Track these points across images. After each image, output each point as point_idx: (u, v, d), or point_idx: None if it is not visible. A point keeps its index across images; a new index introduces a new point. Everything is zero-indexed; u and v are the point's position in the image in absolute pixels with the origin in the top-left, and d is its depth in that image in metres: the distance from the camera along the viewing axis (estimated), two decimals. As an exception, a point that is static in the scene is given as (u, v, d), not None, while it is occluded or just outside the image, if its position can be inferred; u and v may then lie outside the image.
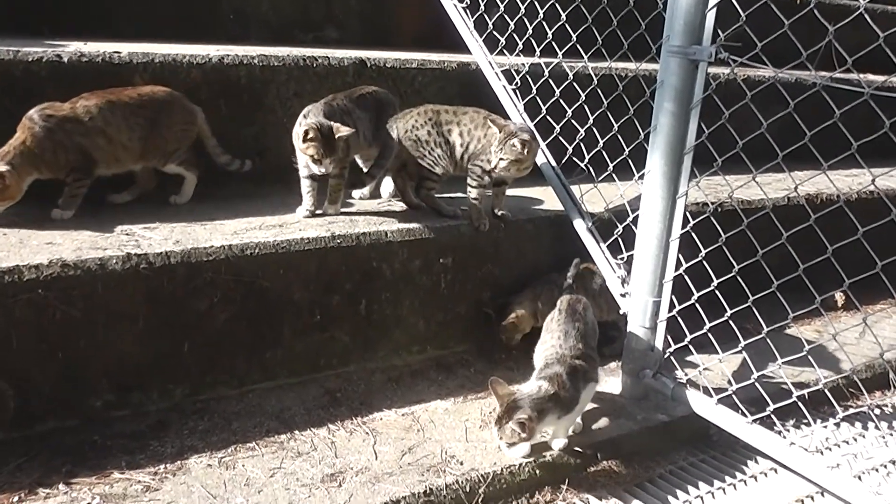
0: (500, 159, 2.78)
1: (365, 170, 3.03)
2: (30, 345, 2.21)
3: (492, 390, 2.27)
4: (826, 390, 2.36)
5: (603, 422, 2.57)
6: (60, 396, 2.28)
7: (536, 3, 3.33)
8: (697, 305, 2.53)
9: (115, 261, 2.29)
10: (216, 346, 2.50)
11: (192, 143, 2.88)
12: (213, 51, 3.11)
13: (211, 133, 2.95)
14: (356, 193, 3.10)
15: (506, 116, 3.16)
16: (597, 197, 2.98)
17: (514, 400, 2.22)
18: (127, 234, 2.49)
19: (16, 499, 1.97)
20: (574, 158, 3.06)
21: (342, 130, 2.68)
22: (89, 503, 1.99)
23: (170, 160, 2.81)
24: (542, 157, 3.14)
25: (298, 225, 2.71)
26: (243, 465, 2.20)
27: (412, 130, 2.92)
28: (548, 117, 3.18)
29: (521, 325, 2.90)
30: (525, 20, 3.38)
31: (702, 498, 2.37)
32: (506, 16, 3.49)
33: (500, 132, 2.78)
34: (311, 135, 2.64)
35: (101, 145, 2.64)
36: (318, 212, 2.85)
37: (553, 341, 2.46)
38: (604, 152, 2.92)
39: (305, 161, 2.76)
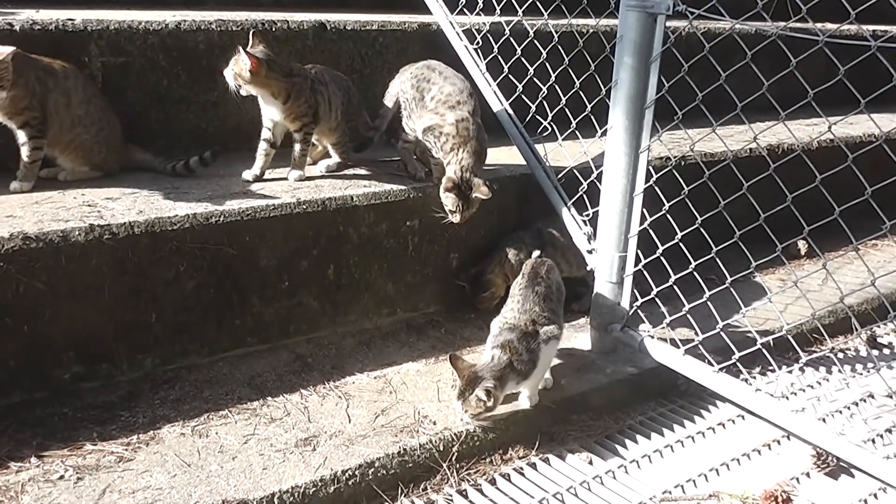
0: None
1: (331, 150, 3.05)
2: (-7, 318, 2.19)
3: (451, 365, 2.28)
4: (790, 337, 2.40)
5: (573, 377, 2.60)
6: (27, 369, 2.26)
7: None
8: (663, 259, 2.56)
9: (77, 232, 2.26)
10: (185, 314, 2.48)
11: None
12: (169, 16, 3.06)
13: (154, 155, 2.90)
14: (322, 165, 3.06)
15: (468, 77, 3.15)
16: (561, 154, 2.99)
17: (474, 372, 2.23)
18: (89, 206, 2.46)
19: (-13, 474, 1.96)
20: (537, 117, 3.06)
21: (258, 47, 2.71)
22: (62, 475, 1.98)
23: (86, 165, 2.75)
24: (506, 116, 3.14)
25: (263, 192, 2.68)
26: (216, 433, 2.20)
27: (406, 82, 2.91)
28: (510, 76, 3.18)
29: (497, 293, 2.93)
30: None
31: (671, 447, 2.41)
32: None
33: (450, 142, 2.73)
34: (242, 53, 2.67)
35: (59, 105, 2.60)
36: (266, 177, 2.84)
37: (511, 305, 2.47)
38: (566, 109, 2.92)
39: (267, 121, 2.81)
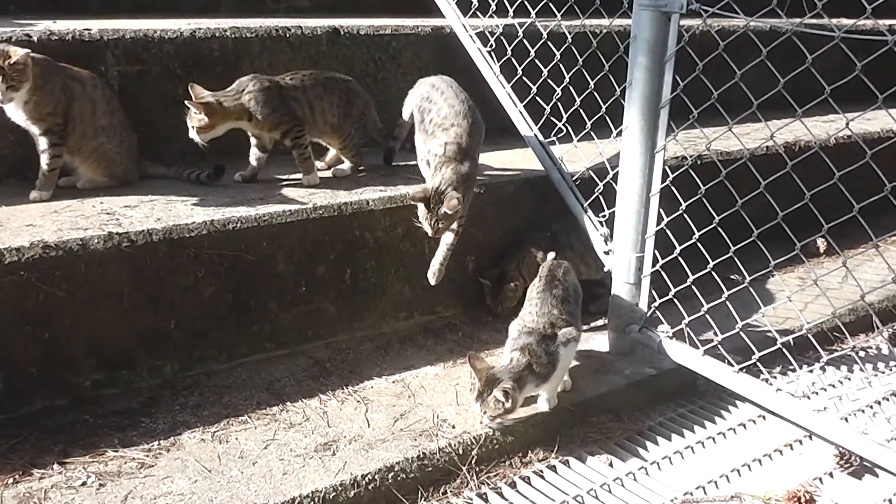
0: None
1: (341, 155, 3.07)
2: (14, 326, 2.20)
3: (470, 365, 2.28)
4: (810, 336, 2.37)
5: (592, 379, 2.59)
6: (48, 377, 2.28)
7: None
8: (680, 259, 2.54)
9: (96, 240, 2.27)
10: (203, 320, 2.50)
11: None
12: (184, 24, 3.08)
13: (167, 166, 2.93)
14: (336, 170, 3.07)
15: (482, 80, 3.14)
16: (577, 156, 2.98)
17: (492, 373, 2.23)
18: (107, 214, 2.48)
19: (10, 480, 1.97)
20: (552, 118, 3.05)
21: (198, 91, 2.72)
22: (84, 482, 1.99)
23: (107, 176, 2.77)
24: (520, 118, 3.13)
25: (279, 198, 2.70)
26: (237, 439, 2.21)
27: (415, 99, 2.92)
28: (524, 78, 3.17)
29: (518, 292, 2.92)
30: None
31: (692, 448, 2.40)
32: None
33: (436, 160, 2.69)
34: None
35: (85, 113, 2.65)
36: (281, 182, 2.88)
37: (529, 308, 2.47)
38: (581, 111, 2.91)
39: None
